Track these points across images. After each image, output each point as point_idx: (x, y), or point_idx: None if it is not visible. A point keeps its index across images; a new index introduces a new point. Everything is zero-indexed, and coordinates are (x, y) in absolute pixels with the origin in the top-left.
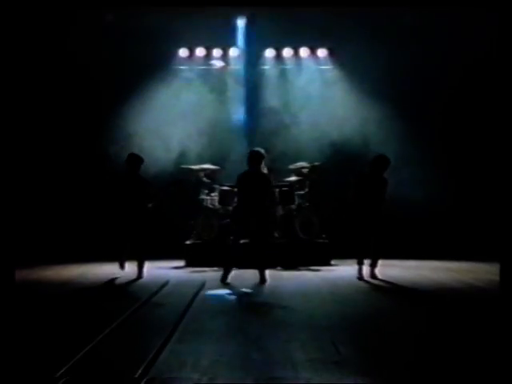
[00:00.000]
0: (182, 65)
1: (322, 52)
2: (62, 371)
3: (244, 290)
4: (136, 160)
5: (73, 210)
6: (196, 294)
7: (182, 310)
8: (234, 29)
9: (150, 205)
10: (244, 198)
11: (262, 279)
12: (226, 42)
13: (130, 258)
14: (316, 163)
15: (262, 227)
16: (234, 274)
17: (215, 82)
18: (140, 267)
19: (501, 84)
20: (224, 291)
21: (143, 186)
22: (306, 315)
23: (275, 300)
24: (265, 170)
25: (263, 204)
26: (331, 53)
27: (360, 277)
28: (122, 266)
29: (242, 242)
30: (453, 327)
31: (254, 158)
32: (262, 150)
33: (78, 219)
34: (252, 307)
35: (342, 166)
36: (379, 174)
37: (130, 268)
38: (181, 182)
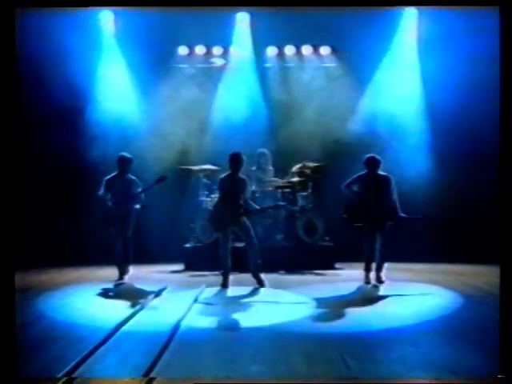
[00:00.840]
0: (182, 63)
1: (324, 50)
2: (61, 374)
3: (244, 295)
4: (125, 161)
5: (70, 212)
6: (195, 299)
7: (180, 316)
8: (234, 26)
9: (138, 206)
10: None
11: (260, 283)
12: (227, 40)
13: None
14: (317, 163)
15: (247, 230)
16: (235, 277)
17: (216, 80)
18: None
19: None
20: (223, 297)
21: (132, 187)
22: (311, 324)
23: (277, 306)
24: (270, 167)
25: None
26: (334, 50)
27: (367, 281)
28: (121, 276)
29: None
30: (465, 336)
31: (235, 161)
32: (267, 151)
33: (74, 222)
34: (252, 315)
35: (347, 164)
36: (375, 173)
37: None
38: (164, 179)
